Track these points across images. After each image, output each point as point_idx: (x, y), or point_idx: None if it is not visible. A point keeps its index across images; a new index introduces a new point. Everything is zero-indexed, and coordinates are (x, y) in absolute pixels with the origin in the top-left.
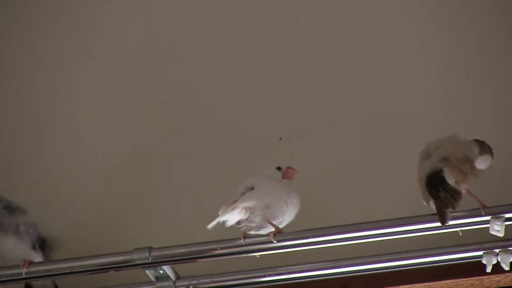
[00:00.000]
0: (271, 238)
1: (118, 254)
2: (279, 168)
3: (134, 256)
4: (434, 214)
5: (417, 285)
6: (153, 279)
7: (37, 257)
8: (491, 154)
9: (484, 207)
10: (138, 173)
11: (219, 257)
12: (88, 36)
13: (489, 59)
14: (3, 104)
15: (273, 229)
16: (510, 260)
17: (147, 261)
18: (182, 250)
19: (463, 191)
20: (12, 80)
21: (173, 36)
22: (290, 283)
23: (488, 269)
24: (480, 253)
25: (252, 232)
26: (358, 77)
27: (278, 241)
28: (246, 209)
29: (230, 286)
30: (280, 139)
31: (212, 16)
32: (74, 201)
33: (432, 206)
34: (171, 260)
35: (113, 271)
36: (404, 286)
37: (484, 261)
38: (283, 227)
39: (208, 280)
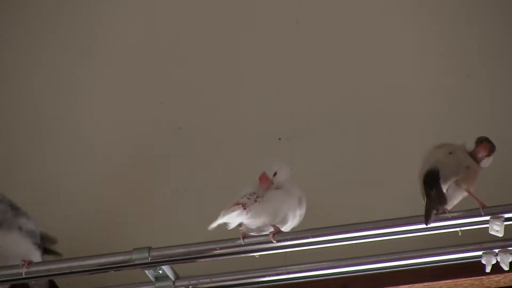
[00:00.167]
0: (270, 238)
1: (118, 254)
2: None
3: (134, 256)
4: (435, 214)
5: (416, 285)
6: (152, 279)
7: (38, 255)
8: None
9: (484, 207)
10: (137, 173)
11: (219, 257)
12: (88, 36)
13: (489, 59)
14: (3, 104)
15: (273, 229)
16: (510, 260)
17: (146, 261)
18: (181, 250)
19: (464, 191)
20: (12, 80)
21: (173, 36)
22: (290, 283)
23: (488, 269)
24: (480, 253)
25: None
26: (358, 77)
27: (278, 241)
28: (248, 211)
29: (230, 286)
30: (280, 139)
31: (211, 16)
32: (74, 201)
33: None
34: (170, 260)
35: (112, 271)
36: (403, 286)
37: (483, 261)
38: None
39: (208, 280)
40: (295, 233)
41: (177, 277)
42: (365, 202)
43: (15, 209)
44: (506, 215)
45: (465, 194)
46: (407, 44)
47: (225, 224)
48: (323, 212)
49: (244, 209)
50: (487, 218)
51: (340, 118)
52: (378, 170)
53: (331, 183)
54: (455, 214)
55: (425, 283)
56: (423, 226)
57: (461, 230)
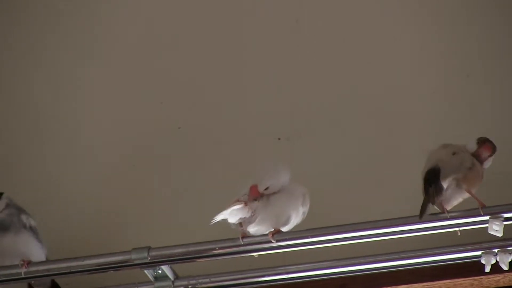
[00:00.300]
0: (270, 237)
1: (117, 254)
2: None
3: (133, 256)
4: (432, 214)
5: (415, 285)
6: (151, 279)
7: (43, 253)
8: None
9: (484, 206)
10: (137, 173)
11: (218, 257)
12: (88, 36)
13: (489, 59)
14: (3, 104)
15: (272, 229)
16: (509, 260)
17: (145, 261)
18: (180, 250)
19: (464, 192)
20: (12, 80)
21: (173, 36)
22: (289, 283)
23: (487, 269)
24: (479, 253)
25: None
26: (358, 77)
27: (277, 241)
28: (249, 208)
29: (229, 286)
30: (279, 139)
31: (211, 16)
32: (73, 201)
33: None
34: (169, 260)
35: (112, 271)
36: (402, 286)
37: (483, 261)
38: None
39: (207, 280)
40: (294, 233)
41: (177, 277)
42: (364, 202)
43: (21, 211)
44: (506, 215)
45: (466, 195)
46: (407, 44)
47: (226, 222)
48: (322, 212)
49: (246, 205)
50: (487, 218)
51: (340, 118)
52: (378, 170)
53: (331, 183)
54: (454, 214)
55: (424, 283)
56: (422, 226)
57: (460, 230)
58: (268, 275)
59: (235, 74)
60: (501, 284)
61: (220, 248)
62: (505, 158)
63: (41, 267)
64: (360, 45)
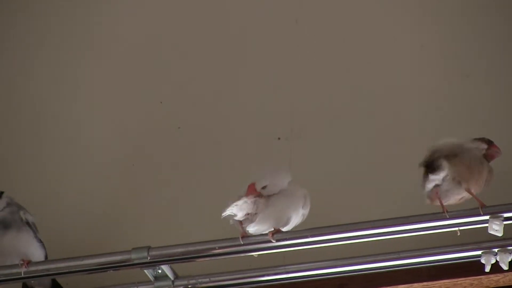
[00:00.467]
0: (269, 237)
1: (117, 253)
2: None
3: (133, 256)
4: (432, 214)
5: (415, 285)
6: (151, 278)
7: (42, 252)
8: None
9: (484, 206)
10: (136, 173)
11: (218, 256)
12: (88, 36)
13: (489, 59)
14: (3, 104)
15: (272, 229)
16: (509, 260)
17: (145, 260)
18: (180, 250)
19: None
20: (12, 80)
21: (173, 36)
22: (288, 283)
23: (487, 269)
24: (479, 252)
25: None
26: (358, 77)
27: (277, 241)
28: (254, 203)
29: (229, 286)
30: (279, 138)
31: (211, 16)
32: (73, 201)
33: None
34: (169, 260)
35: (111, 271)
36: (401, 286)
37: (482, 261)
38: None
39: (207, 279)
40: (294, 233)
41: (176, 277)
42: (363, 202)
43: (21, 208)
44: (506, 215)
45: (466, 194)
46: (407, 44)
47: (226, 222)
48: (321, 212)
49: (256, 194)
50: (487, 217)
51: (339, 118)
52: (377, 170)
53: (330, 183)
54: (454, 214)
55: (423, 283)
56: (421, 225)
57: (460, 230)
58: (268, 275)
59: (235, 74)
60: (501, 284)
61: (219, 248)
62: (505, 158)
63: (40, 267)
64: (360, 45)
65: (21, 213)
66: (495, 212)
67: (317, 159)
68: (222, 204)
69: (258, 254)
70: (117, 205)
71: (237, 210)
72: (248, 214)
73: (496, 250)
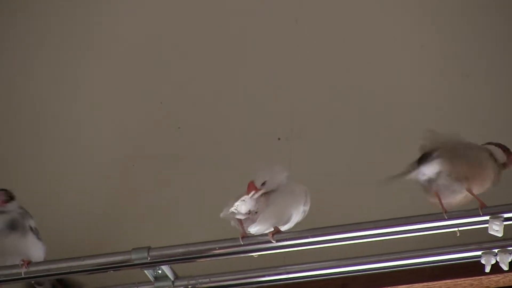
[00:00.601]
0: (269, 238)
1: (117, 254)
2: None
3: (133, 256)
4: (431, 215)
5: (415, 285)
6: (151, 279)
7: (42, 253)
8: None
9: (484, 206)
10: (137, 173)
11: (218, 257)
12: (88, 36)
13: (488, 59)
14: (3, 104)
15: (272, 229)
16: (509, 260)
17: (145, 261)
18: (180, 250)
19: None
20: (12, 80)
21: (173, 36)
22: (289, 283)
23: (487, 269)
24: (479, 253)
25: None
26: (357, 77)
27: (277, 241)
28: (256, 201)
29: (229, 286)
30: (279, 139)
31: (211, 16)
32: (73, 201)
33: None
34: (169, 260)
35: (111, 271)
36: (402, 286)
37: (483, 261)
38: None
39: (207, 280)
40: (295, 233)
41: (176, 277)
42: (364, 202)
43: (25, 212)
44: (506, 215)
45: (466, 193)
46: (407, 44)
47: (226, 222)
48: (322, 212)
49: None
50: (487, 218)
51: (340, 118)
52: (378, 170)
53: (330, 183)
54: (453, 214)
55: (424, 283)
56: (422, 226)
57: (460, 230)
58: (269, 275)
59: (235, 74)
60: (501, 284)
61: (220, 248)
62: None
63: (41, 267)
64: (360, 45)
65: (29, 220)
66: (495, 212)
67: (317, 159)
68: (222, 204)
69: (258, 255)
70: (117, 205)
71: (241, 205)
72: (249, 213)
73: (496, 250)
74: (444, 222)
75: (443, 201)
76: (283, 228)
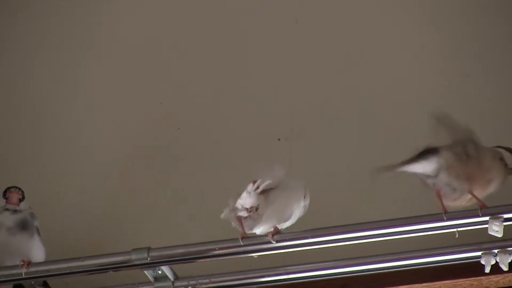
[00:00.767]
0: (269, 238)
1: (117, 254)
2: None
3: (133, 257)
4: (430, 215)
5: (416, 285)
6: (151, 279)
7: (43, 254)
8: None
9: (484, 207)
10: (137, 173)
11: (218, 257)
12: (88, 36)
13: (488, 59)
14: (3, 104)
15: (272, 229)
16: (509, 261)
17: (145, 261)
18: (180, 251)
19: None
20: (12, 80)
21: (173, 36)
22: (289, 284)
23: (487, 270)
24: (479, 253)
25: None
26: (357, 77)
27: (277, 242)
28: (257, 197)
29: (229, 287)
30: (279, 139)
31: (211, 16)
32: (73, 201)
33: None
34: (169, 261)
35: (111, 272)
36: (403, 287)
37: (482, 262)
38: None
39: (207, 280)
40: (294, 233)
41: (176, 278)
42: (364, 202)
43: (33, 212)
44: (505, 216)
45: (470, 196)
46: (407, 44)
47: (226, 222)
48: (322, 212)
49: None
50: (487, 218)
51: (340, 118)
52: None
53: (330, 183)
54: (452, 215)
55: (424, 284)
56: (422, 226)
57: (460, 231)
58: (269, 276)
59: (235, 74)
60: (501, 285)
61: (220, 249)
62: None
63: (41, 268)
64: (359, 45)
65: (35, 219)
66: (495, 213)
67: (317, 159)
68: (222, 204)
69: (258, 255)
70: (117, 205)
71: (246, 199)
72: (250, 211)
73: (496, 251)
74: (444, 223)
75: (445, 202)
76: (285, 224)
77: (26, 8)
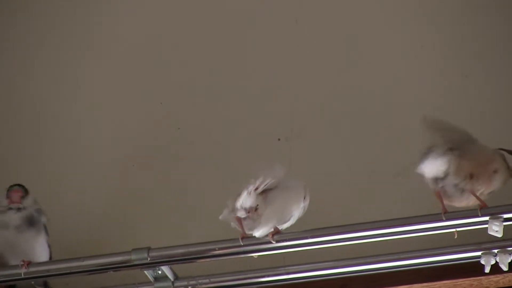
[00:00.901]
0: (269, 238)
1: (117, 254)
2: None
3: (133, 257)
4: (430, 215)
5: (415, 285)
6: (151, 279)
7: (47, 254)
8: None
9: (485, 207)
10: (137, 173)
11: (218, 257)
12: (88, 36)
13: (488, 59)
14: (3, 104)
15: (272, 229)
16: (509, 261)
17: (145, 261)
18: (180, 251)
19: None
20: (12, 80)
21: (173, 36)
22: (289, 284)
23: (487, 270)
24: (479, 253)
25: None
26: (358, 77)
27: (277, 242)
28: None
29: (229, 287)
30: (279, 139)
31: (211, 16)
32: (73, 201)
33: None
34: (169, 261)
35: (111, 272)
36: (402, 287)
37: (482, 262)
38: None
39: (207, 280)
40: (294, 234)
41: (176, 278)
42: (364, 202)
43: (40, 208)
44: (505, 216)
45: (473, 196)
46: (406, 44)
47: (226, 223)
48: (322, 212)
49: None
50: (486, 218)
51: (340, 119)
52: (378, 171)
53: (330, 183)
54: (451, 215)
55: (424, 284)
56: (422, 226)
57: (460, 231)
58: (268, 276)
59: (235, 74)
60: (501, 285)
61: (220, 249)
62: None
63: (41, 268)
64: (359, 45)
65: (42, 214)
66: (494, 213)
67: (317, 159)
68: (222, 204)
69: (258, 255)
70: (117, 205)
71: (247, 199)
72: (249, 212)
73: (496, 251)
74: (443, 223)
75: (449, 202)
76: (285, 225)
77: (26, 8)
